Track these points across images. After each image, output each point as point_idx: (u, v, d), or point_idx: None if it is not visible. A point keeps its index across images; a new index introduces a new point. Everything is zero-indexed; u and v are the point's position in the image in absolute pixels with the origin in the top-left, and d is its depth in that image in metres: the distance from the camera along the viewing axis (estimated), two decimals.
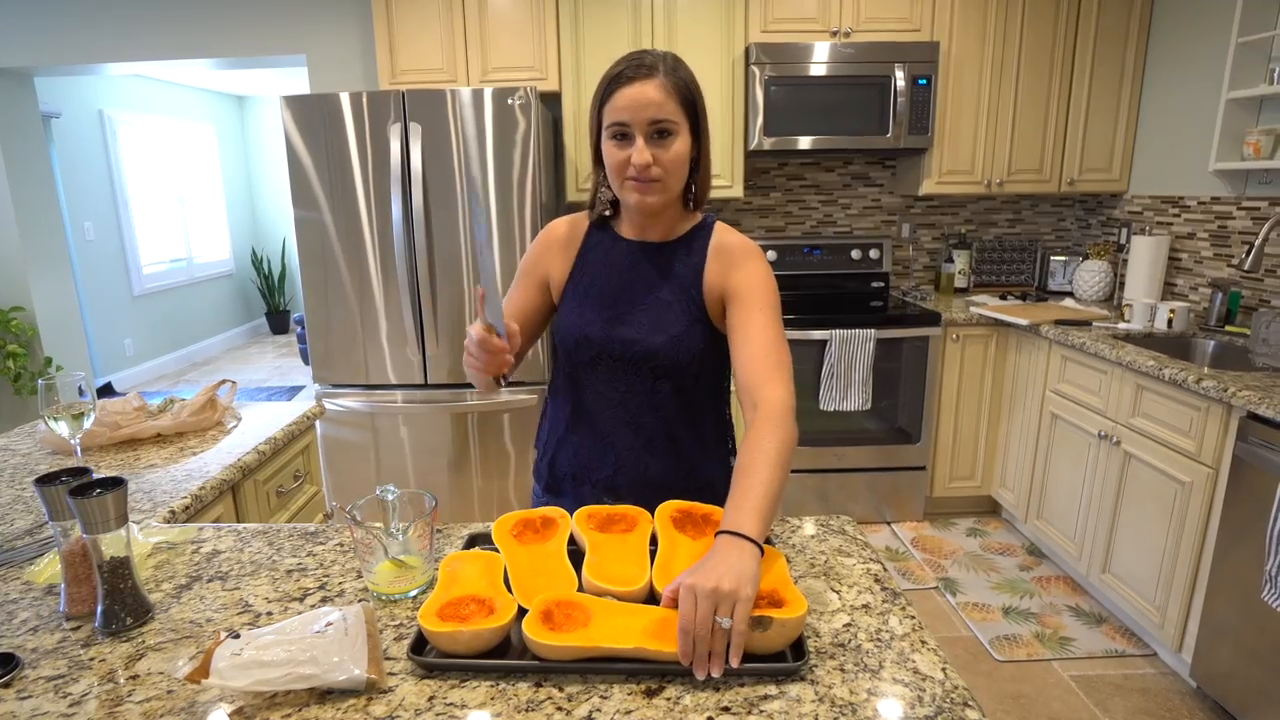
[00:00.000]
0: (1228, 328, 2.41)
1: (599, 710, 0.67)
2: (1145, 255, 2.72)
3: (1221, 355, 2.31)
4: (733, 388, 1.06)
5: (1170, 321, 2.44)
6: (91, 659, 0.78)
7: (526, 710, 0.67)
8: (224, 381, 1.73)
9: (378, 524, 0.90)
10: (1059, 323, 2.54)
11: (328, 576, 0.94)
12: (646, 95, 0.95)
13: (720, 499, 0.96)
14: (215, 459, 1.40)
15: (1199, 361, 2.36)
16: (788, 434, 0.89)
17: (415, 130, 2.39)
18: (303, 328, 5.33)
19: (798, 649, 0.72)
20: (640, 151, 0.96)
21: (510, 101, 2.39)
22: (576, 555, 0.91)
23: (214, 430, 1.58)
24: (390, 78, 2.76)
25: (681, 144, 0.98)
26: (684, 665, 0.69)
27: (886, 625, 0.79)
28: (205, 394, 1.65)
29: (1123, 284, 2.93)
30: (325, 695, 0.70)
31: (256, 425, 1.60)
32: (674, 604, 0.75)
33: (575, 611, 0.77)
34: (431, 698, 0.69)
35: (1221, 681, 1.80)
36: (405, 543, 0.88)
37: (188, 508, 1.21)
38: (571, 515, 0.95)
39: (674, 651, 0.70)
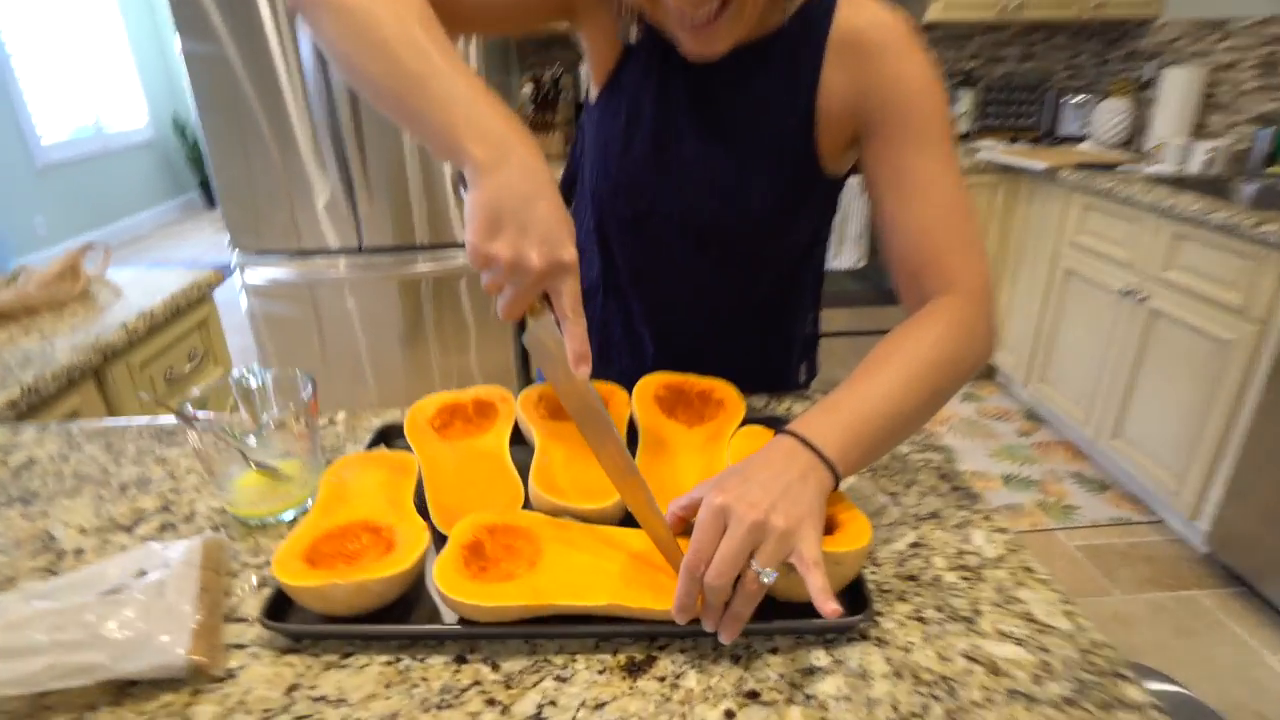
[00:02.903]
0: (1269, 170, 2.14)
1: (553, 703, 0.43)
2: (1178, 89, 2.39)
3: (1261, 199, 2.05)
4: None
5: (1209, 163, 2.15)
6: None
7: (440, 707, 0.43)
8: (91, 246, 1.39)
9: (229, 417, 0.62)
10: (1080, 166, 2.24)
11: (177, 493, 0.67)
12: None
13: (789, 412, 0.70)
14: (67, 340, 1.09)
15: (1239, 207, 2.11)
16: (963, 346, 0.56)
17: None
18: None
19: (854, 595, 0.48)
20: None
21: None
22: (527, 457, 0.65)
23: (77, 304, 1.25)
24: None
25: None
26: (677, 620, 0.44)
27: (970, 543, 0.55)
28: (65, 261, 1.31)
29: (1143, 127, 2.62)
30: (128, 689, 0.45)
31: (135, 298, 1.29)
32: (685, 527, 0.50)
33: (518, 542, 0.51)
34: (293, 687, 0.44)
35: (1242, 548, 1.69)
36: (267, 442, 0.61)
37: (15, 403, 0.92)
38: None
39: (668, 608, 0.45)
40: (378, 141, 2.13)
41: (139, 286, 1.35)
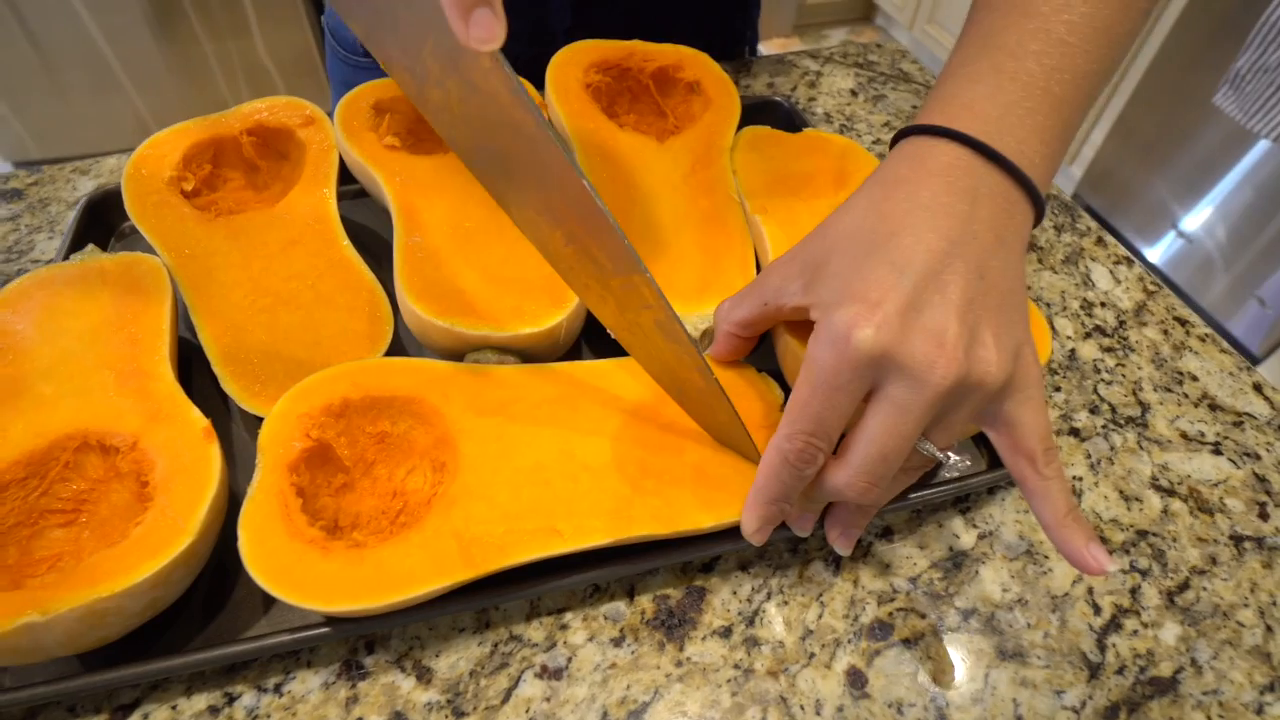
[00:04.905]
0: None
1: None
2: None
3: None
4: None
5: None
6: None
7: None
8: None
9: None
10: None
11: None
12: None
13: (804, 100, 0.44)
14: None
15: None
16: None
17: None
18: None
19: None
20: None
21: None
22: (379, 232, 0.37)
23: None
24: None
25: None
26: (750, 539, 0.24)
27: (1093, 286, 0.37)
28: None
29: None
30: None
31: None
32: (743, 341, 0.28)
33: (400, 425, 0.27)
34: None
35: (1102, 187, 1.73)
36: None
37: None
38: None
39: (718, 520, 0.25)
40: None
41: None
